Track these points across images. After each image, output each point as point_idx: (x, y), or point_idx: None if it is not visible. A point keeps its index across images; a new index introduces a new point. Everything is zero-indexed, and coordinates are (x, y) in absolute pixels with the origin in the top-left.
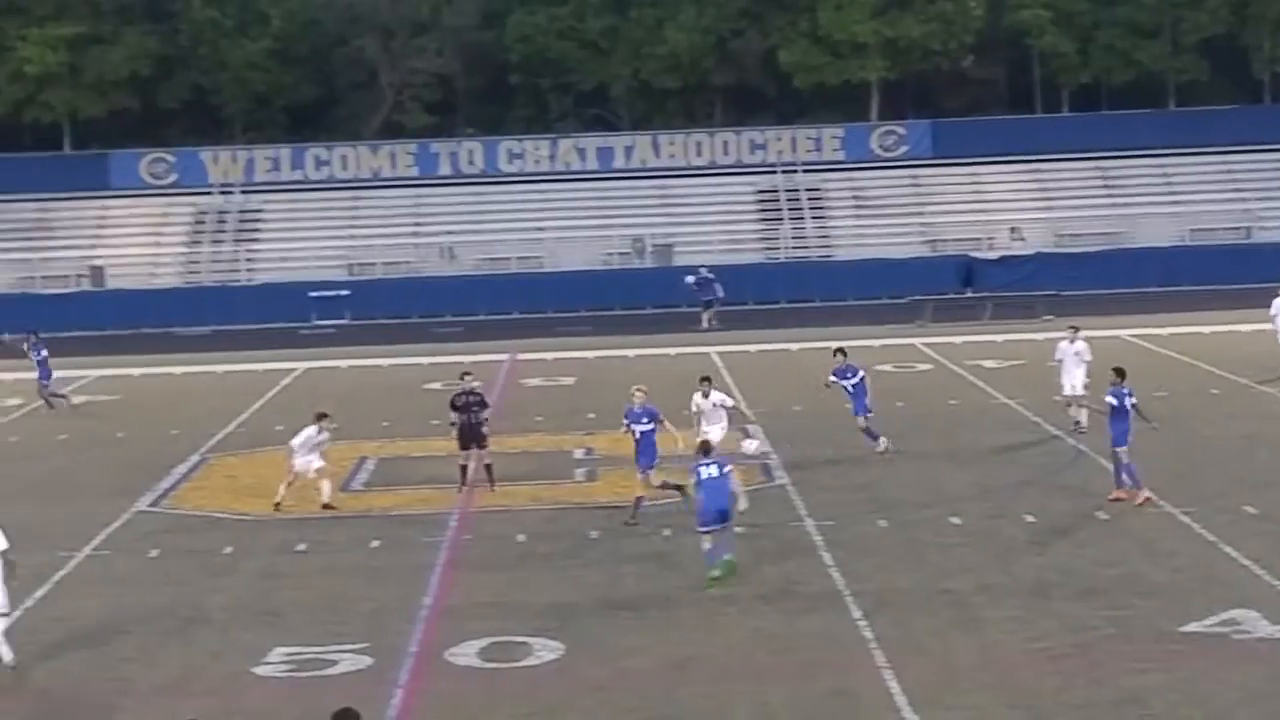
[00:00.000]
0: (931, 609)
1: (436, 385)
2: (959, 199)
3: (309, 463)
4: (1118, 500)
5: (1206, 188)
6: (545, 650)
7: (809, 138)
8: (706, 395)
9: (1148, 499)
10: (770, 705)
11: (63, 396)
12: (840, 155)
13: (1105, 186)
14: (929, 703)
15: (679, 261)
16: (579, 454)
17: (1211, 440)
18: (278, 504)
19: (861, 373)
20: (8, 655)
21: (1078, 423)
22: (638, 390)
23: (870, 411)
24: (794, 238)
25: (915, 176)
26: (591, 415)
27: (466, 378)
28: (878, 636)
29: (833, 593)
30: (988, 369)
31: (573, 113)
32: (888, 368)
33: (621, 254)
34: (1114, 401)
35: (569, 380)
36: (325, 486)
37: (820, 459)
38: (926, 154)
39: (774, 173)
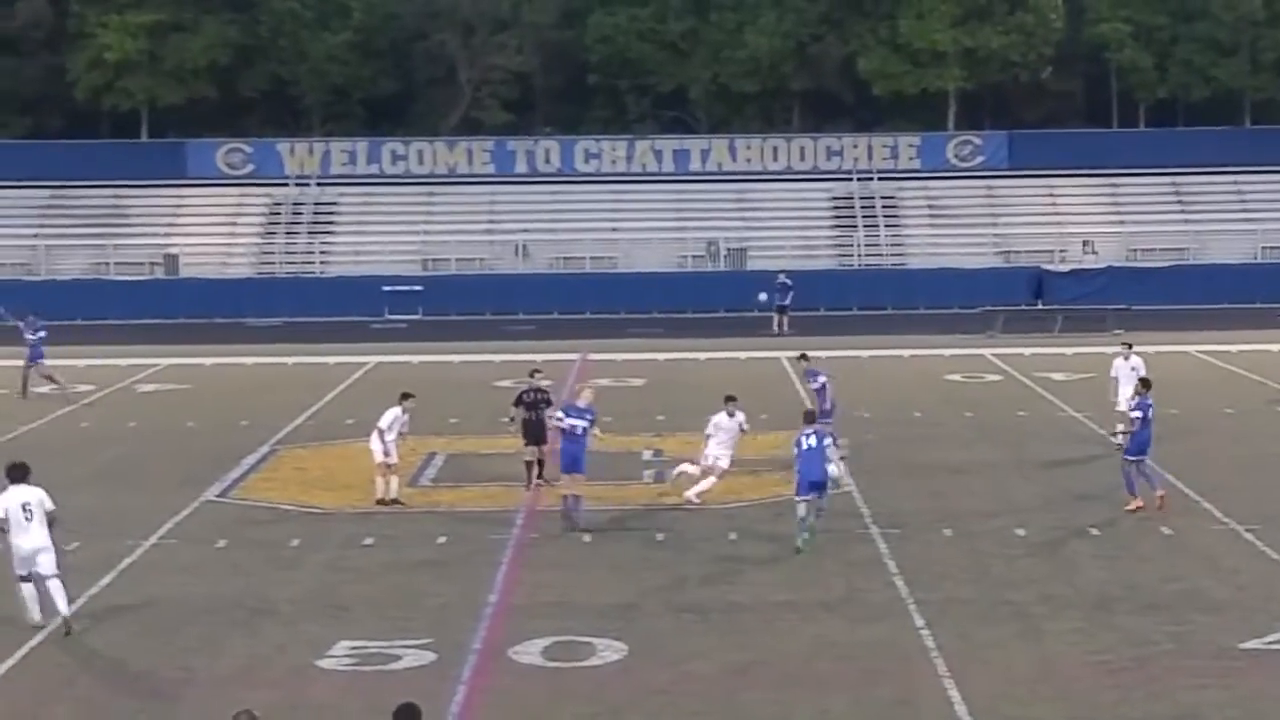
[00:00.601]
0: (994, 619)
1: (507, 383)
2: (1033, 210)
3: (393, 446)
4: (1138, 509)
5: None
6: (609, 651)
7: (885, 145)
8: (731, 415)
9: (1139, 507)
10: (831, 712)
11: (57, 382)
12: (916, 164)
13: (1179, 202)
14: (988, 713)
15: (753, 266)
16: (647, 455)
17: (1277, 457)
18: (380, 499)
19: (823, 377)
20: (64, 608)
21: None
22: (586, 388)
23: (829, 417)
24: (868, 245)
25: (990, 187)
26: (661, 417)
27: (535, 375)
28: (939, 646)
29: (896, 601)
30: (1056, 381)
31: (650, 114)
32: (957, 377)
33: (695, 257)
34: (1139, 414)
35: (639, 381)
36: (394, 481)
37: (888, 467)
38: (1002, 165)
39: (850, 179)
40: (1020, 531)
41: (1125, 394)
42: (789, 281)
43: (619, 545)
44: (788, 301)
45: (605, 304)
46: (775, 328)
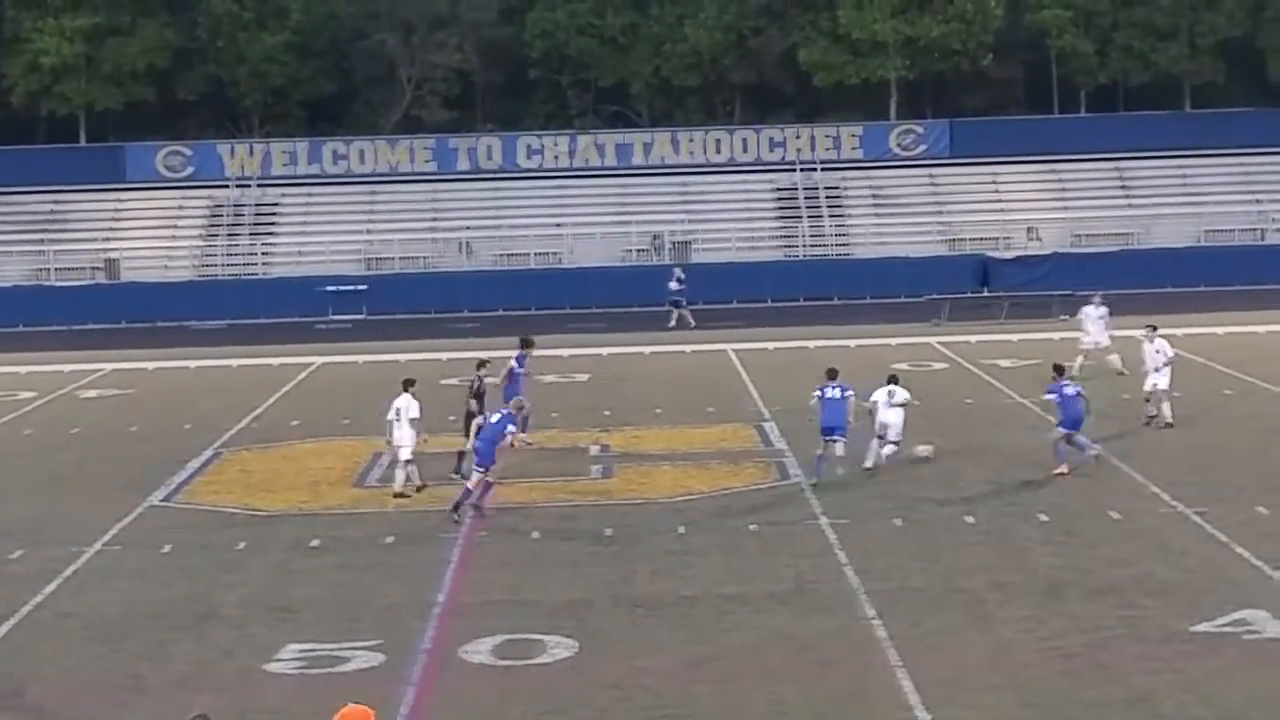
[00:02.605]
0: (945, 607)
1: (453, 381)
2: (976, 198)
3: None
4: (1061, 475)
5: (1222, 189)
6: (559, 648)
7: (828, 136)
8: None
9: (1064, 473)
10: (784, 704)
11: None
12: (859, 154)
13: (1121, 187)
14: (942, 701)
15: (697, 259)
16: (594, 450)
17: (1225, 441)
18: (398, 494)
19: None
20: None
21: (1152, 417)
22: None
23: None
24: (812, 236)
25: (933, 176)
26: (607, 412)
27: (483, 369)
28: (891, 635)
29: (847, 591)
30: (1003, 368)
31: (592, 109)
32: (904, 366)
33: (640, 251)
34: (1052, 397)
35: (584, 377)
36: (399, 475)
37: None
38: (944, 153)
39: (793, 170)
40: (970, 519)
41: (1154, 377)
42: (683, 276)
43: (568, 542)
44: (681, 297)
45: (549, 299)
46: (674, 323)
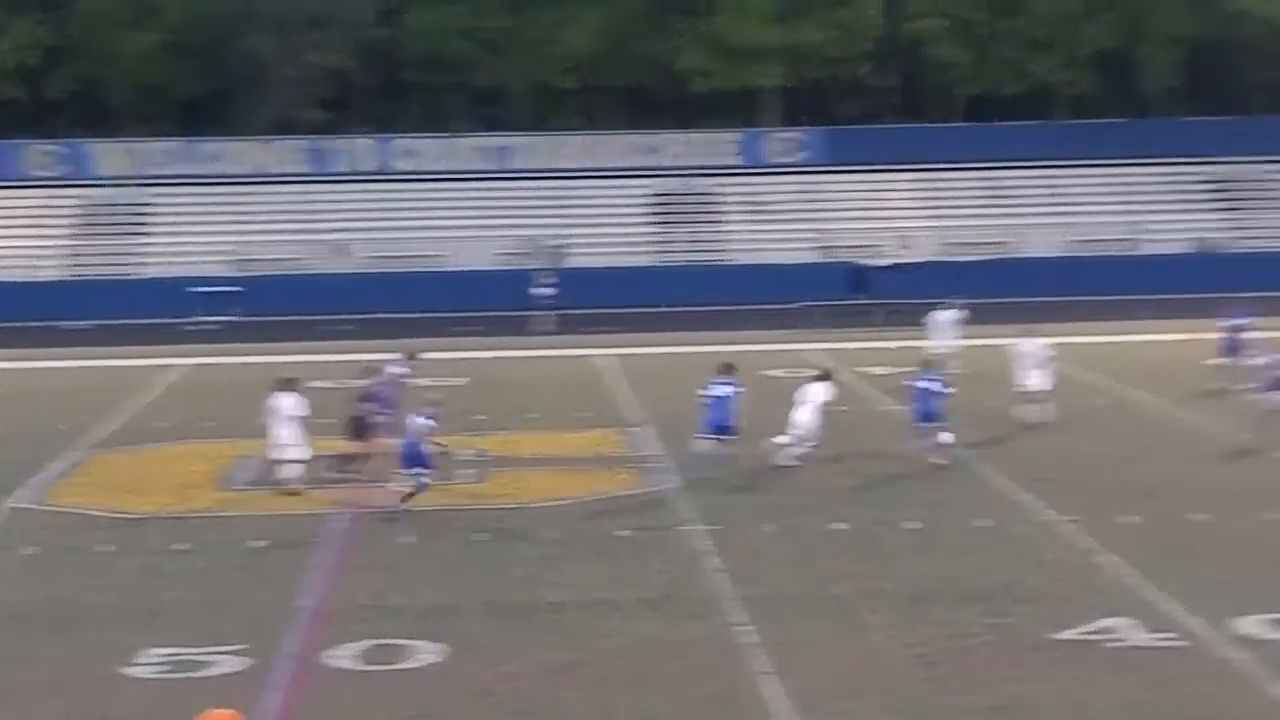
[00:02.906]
0: (815, 614)
1: (327, 383)
2: (853, 206)
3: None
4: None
5: (1094, 199)
6: (427, 653)
7: (705, 142)
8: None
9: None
10: (652, 710)
11: None
12: (736, 160)
13: (995, 196)
14: (811, 708)
15: (573, 263)
16: (469, 455)
17: (1096, 449)
18: (295, 491)
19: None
20: None
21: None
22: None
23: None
24: (688, 242)
25: (809, 183)
26: (483, 416)
27: (370, 373)
28: (761, 641)
29: (718, 597)
30: (877, 375)
31: (469, 112)
32: (778, 373)
33: (516, 254)
34: (922, 385)
35: (461, 381)
36: (287, 472)
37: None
38: (821, 161)
39: (670, 176)
40: (841, 525)
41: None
42: (548, 281)
43: (439, 546)
44: (552, 300)
45: (425, 302)
46: (541, 326)
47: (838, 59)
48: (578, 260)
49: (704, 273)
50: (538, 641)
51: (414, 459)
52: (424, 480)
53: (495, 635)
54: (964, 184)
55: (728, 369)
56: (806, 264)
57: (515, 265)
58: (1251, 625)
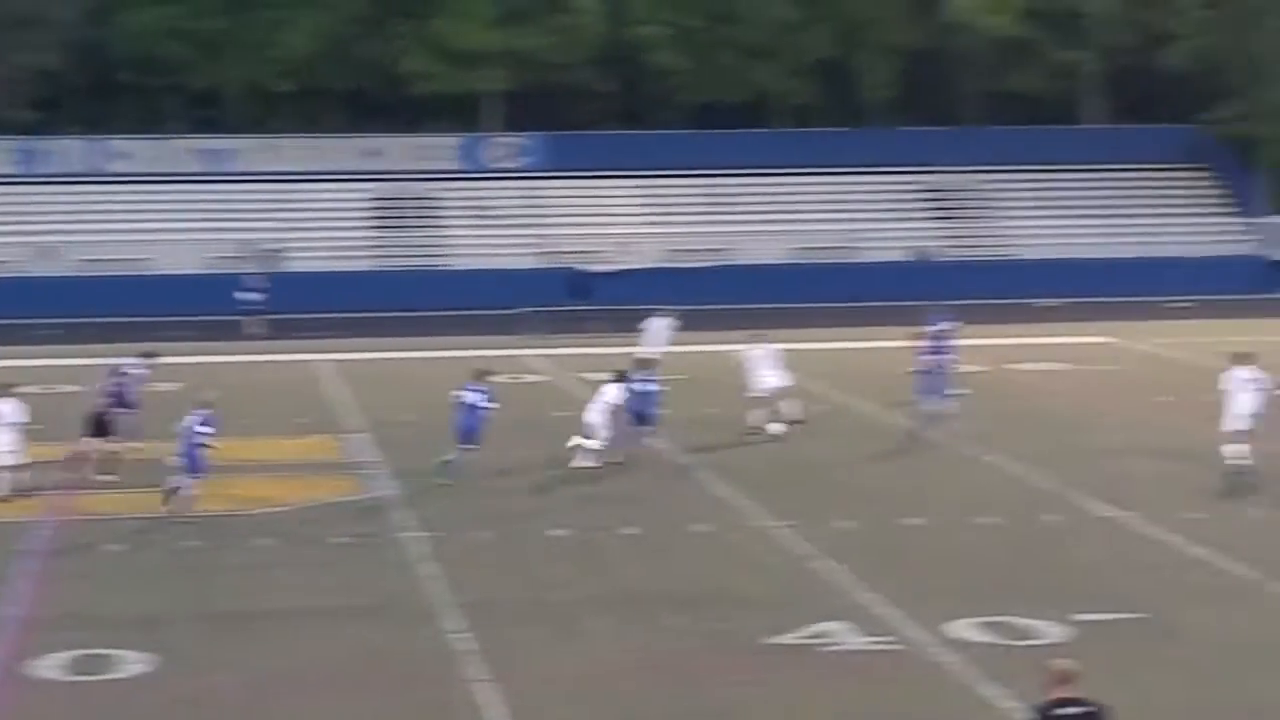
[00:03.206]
0: (533, 620)
1: (34, 389)
2: (574, 211)
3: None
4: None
5: (815, 207)
6: (136, 663)
7: (426, 146)
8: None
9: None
10: (367, 718)
11: None
12: (457, 165)
13: (716, 203)
14: (527, 713)
15: (291, 267)
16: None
17: (812, 455)
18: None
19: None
20: None
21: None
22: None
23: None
24: (409, 246)
25: (531, 188)
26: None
27: (116, 376)
28: (479, 648)
29: (435, 604)
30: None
31: (184, 114)
32: (499, 378)
33: (231, 258)
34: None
35: (173, 386)
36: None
37: (428, 469)
38: (543, 166)
39: (390, 180)
40: (560, 532)
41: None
42: (263, 284)
43: (147, 554)
44: (261, 304)
45: (137, 306)
46: (252, 330)
47: (559, 64)
48: (296, 265)
49: (424, 278)
50: (249, 650)
51: (193, 462)
52: (186, 486)
53: (206, 644)
54: (686, 191)
55: (480, 375)
56: (528, 270)
57: (230, 269)
58: (963, 628)
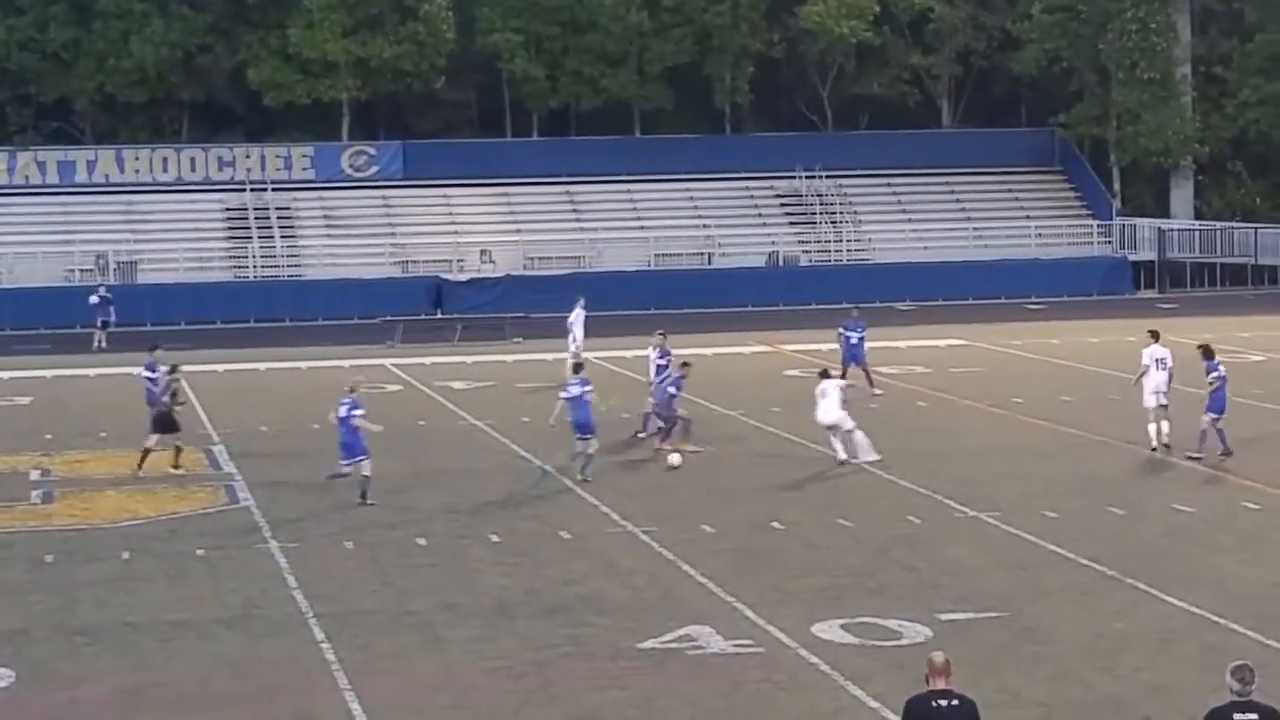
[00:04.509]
0: (394, 630)
1: None
2: (430, 220)
3: None
4: None
5: (670, 214)
6: None
7: (279, 156)
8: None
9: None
10: None
11: None
12: (310, 174)
13: (573, 211)
14: None
15: (143, 279)
16: (35, 475)
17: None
18: None
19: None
20: None
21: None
22: None
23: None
24: (263, 256)
25: (386, 197)
26: (49, 436)
27: (175, 372)
28: (340, 659)
29: (295, 615)
30: (456, 390)
31: (34, 125)
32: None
33: (84, 270)
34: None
35: (25, 400)
36: None
37: (287, 480)
38: (397, 175)
39: (243, 190)
40: (421, 541)
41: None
42: (109, 295)
43: (6, 569)
44: (110, 318)
45: None
46: (96, 343)
47: (412, 73)
48: (149, 276)
49: (279, 287)
50: (110, 664)
51: (351, 447)
52: (344, 470)
53: (66, 658)
54: (542, 198)
55: (577, 368)
56: (386, 279)
57: (84, 282)
58: (825, 630)
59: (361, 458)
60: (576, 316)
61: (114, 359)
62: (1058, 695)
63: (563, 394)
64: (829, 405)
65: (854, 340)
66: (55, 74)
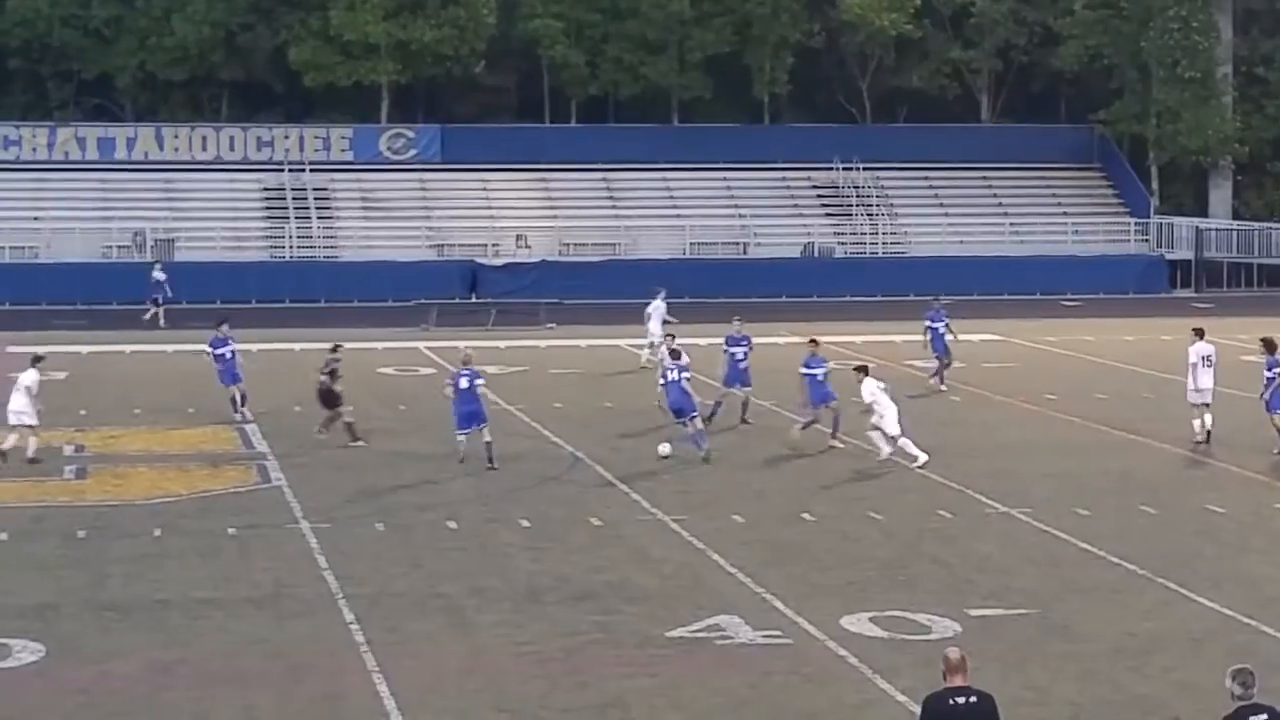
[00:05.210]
0: (424, 612)
1: None
2: (466, 204)
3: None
4: None
5: (706, 203)
6: (25, 652)
7: (317, 137)
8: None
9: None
10: (256, 709)
11: None
12: (348, 156)
13: (609, 197)
14: (417, 706)
15: (181, 257)
16: (69, 450)
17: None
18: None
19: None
20: None
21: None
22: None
23: None
24: (300, 237)
25: (423, 180)
26: (83, 412)
27: (336, 352)
28: (369, 640)
29: (325, 596)
30: (490, 374)
31: (74, 101)
32: (390, 370)
33: (121, 247)
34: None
35: (61, 375)
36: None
37: (320, 461)
38: (435, 158)
39: (281, 170)
40: (452, 524)
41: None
42: (163, 276)
43: (38, 544)
44: (168, 293)
45: (26, 295)
46: (152, 316)
47: (452, 57)
48: (186, 254)
49: (315, 268)
50: (139, 640)
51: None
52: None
53: (95, 634)
54: (579, 185)
55: (675, 354)
56: (421, 262)
57: (121, 258)
58: (854, 623)
59: (480, 425)
60: (655, 308)
61: (151, 336)
62: (1086, 694)
63: (661, 380)
64: (889, 413)
65: (939, 330)
66: (97, 51)
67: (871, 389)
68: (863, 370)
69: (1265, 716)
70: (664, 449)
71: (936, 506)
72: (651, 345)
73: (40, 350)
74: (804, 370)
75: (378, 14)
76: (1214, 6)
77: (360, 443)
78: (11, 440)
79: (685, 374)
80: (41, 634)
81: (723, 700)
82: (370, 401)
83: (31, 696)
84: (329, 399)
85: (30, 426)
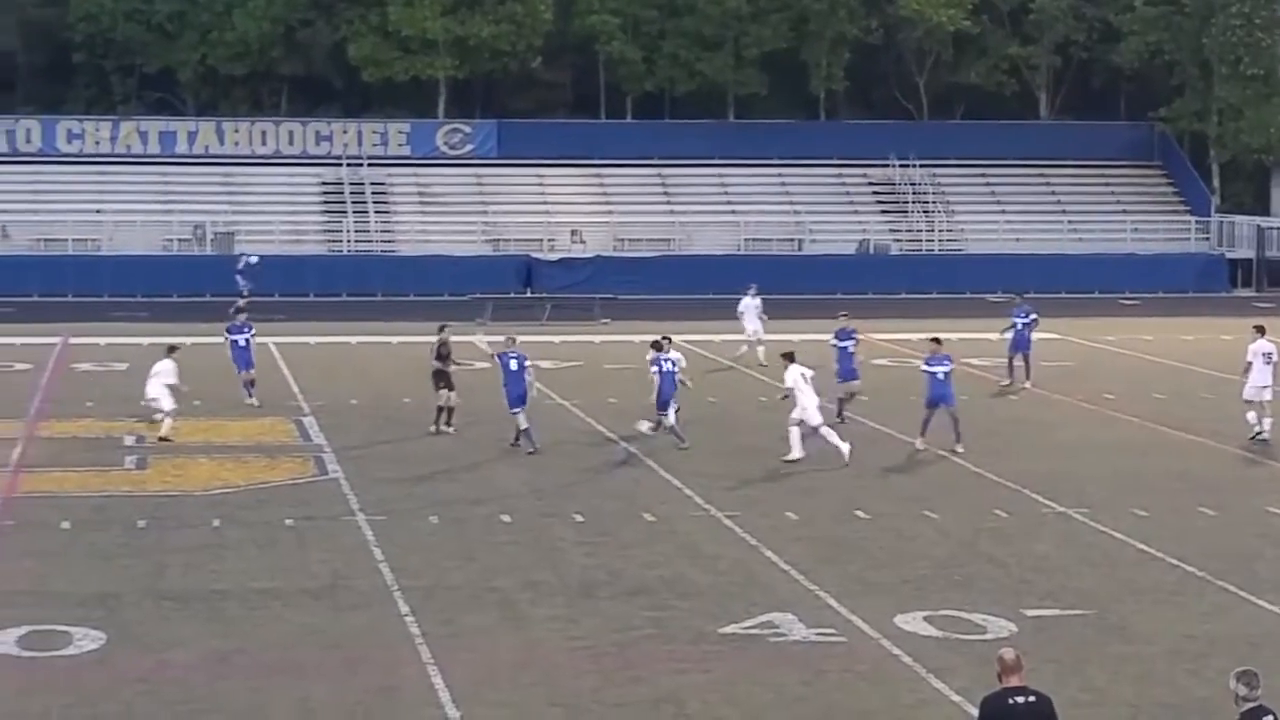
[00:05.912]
0: (478, 606)
1: None
2: (522, 199)
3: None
4: None
5: (762, 199)
6: (86, 640)
7: (375, 131)
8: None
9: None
10: (312, 700)
11: None
12: (406, 150)
13: (665, 193)
14: (471, 699)
15: (241, 249)
16: (130, 441)
17: (756, 446)
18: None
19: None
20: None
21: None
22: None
23: None
24: (357, 231)
25: (479, 175)
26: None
27: (444, 331)
28: (424, 633)
29: (381, 588)
30: (544, 369)
31: (137, 95)
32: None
33: (182, 240)
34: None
35: (122, 366)
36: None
37: (376, 454)
38: (491, 153)
39: (339, 165)
40: (506, 518)
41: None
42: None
43: (100, 533)
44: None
45: (88, 286)
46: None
47: (509, 52)
48: (245, 247)
49: (372, 262)
50: (198, 630)
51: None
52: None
53: (155, 623)
54: (634, 180)
55: (658, 345)
56: (477, 256)
57: (182, 251)
58: (908, 622)
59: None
60: (747, 305)
61: (209, 329)
62: (1144, 696)
63: (655, 370)
64: (809, 403)
65: (1020, 327)
66: (159, 45)
67: (794, 376)
68: (788, 357)
69: (1273, 718)
70: (643, 426)
71: (993, 505)
72: (749, 344)
73: (173, 341)
74: (925, 368)
75: (436, 10)
76: (1277, 3)
77: (449, 429)
78: (167, 425)
79: (676, 368)
80: (102, 622)
81: (775, 697)
82: (427, 394)
83: (92, 683)
84: (438, 378)
85: (168, 411)
